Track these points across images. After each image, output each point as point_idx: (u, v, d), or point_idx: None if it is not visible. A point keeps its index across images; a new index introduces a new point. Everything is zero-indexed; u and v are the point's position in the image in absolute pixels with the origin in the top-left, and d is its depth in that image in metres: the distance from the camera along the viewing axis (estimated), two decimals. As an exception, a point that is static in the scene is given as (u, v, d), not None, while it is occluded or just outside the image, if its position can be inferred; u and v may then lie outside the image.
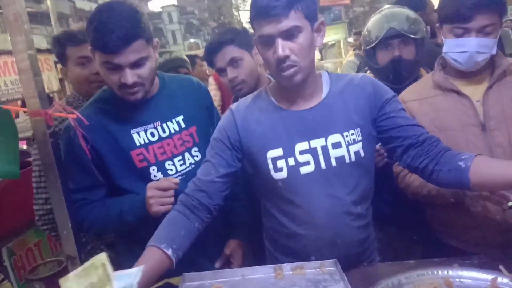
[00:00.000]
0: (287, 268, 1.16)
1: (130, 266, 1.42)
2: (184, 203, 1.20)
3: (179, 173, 1.36)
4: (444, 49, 1.35)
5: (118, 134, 1.30)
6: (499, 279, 1.07)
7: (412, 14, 1.69)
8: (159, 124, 1.35)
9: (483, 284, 1.08)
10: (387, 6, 1.84)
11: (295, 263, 1.17)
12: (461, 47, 1.29)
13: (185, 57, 2.68)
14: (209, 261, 1.44)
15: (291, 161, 1.17)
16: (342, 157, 1.17)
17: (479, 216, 1.28)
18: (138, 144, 1.31)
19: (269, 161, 1.19)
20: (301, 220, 1.21)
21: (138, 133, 1.32)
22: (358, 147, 1.18)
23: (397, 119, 1.19)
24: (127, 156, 1.30)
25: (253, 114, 1.23)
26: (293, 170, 1.17)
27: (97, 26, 1.17)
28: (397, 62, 1.62)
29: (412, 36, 1.62)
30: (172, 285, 1.18)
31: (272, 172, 1.19)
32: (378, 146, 1.49)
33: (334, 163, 1.17)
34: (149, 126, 1.33)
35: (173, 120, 1.37)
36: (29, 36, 1.11)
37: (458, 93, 1.36)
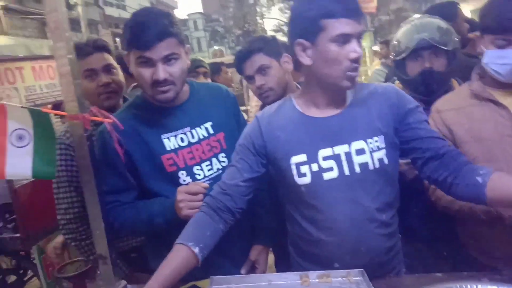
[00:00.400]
0: (314, 275, 1.17)
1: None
2: (209, 205, 1.24)
3: (207, 178, 1.39)
4: (485, 60, 1.33)
5: (150, 138, 1.34)
6: (531, 296, 1.05)
7: (443, 24, 1.66)
8: (189, 129, 1.38)
9: (514, 300, 1.06)
10: (417, 15, 1.81)
11: (322, 271, 1.17)
12: (503, 59, 1.27)
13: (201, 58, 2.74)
14: (234, 265, 1.46)
15: (315, 167, 1.19)
16: (366, 164, 1.17)
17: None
18: (168, 149, 1.34)
19: (293, 167, 1.20)
20: (323, 226, 1.22)
21: (168, 138, 1.35)
22: (382, 154, 1.18)
23: (419, 130, 1.20)
24: (157, 161, 1.33)
25: (278, 121, 1.26)
26: (317, 175, 1.19)
27: (133, 25, 1.26)
28: (428, 74, 1.59)
29: (444, 48, 1.59)
30: (198, 288, 1.20)
31: (296, 178, 1.20)
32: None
33: (358, 169, 1.17)
34: (179, 131, 1.37)
35: (202, 126, 1.41)
36: (70, 42, 1.16)
37: (496, 103, 1.34)
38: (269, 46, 1.70)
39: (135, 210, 1.34)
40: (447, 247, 1.63)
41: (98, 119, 1.19)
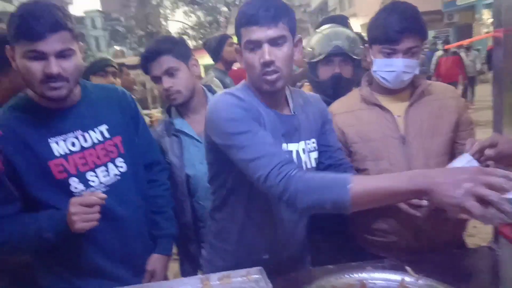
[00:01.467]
0: (214, 278, 1.17)
1: (50, 285, 1.33)
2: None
3: (103, 185, 1.31)
4: (374, 68, 1.46)
5: (35, 143, 1.22)
6: (407, 279, 1.18)
7: (351, 34, 1.81)
8: (81, 133, 1.29)
9: (393, 284, 1.18)
10: (326, 26, 1.94)
11: (222, 272, 1.18)
12: (389, 67, 1.41)
13: (110, 58, 2.63)
14: (135, 275, 1.39)
15: None
16: (304, 163, 1.30)
17: (394, 221, 1.41)
18: (57, 154, 1.24)
19: None
20: (262, 219, 1.31)
21: (57, 143, 1.24)
22: (316, 154, 1.34)
23: (330, 139, 1.40)
24: (44, 167, 1.22)
25: (254, 105, 1.24)
26: None
27: (22, 14, 1.12)
28: (337, 79, 1.73)
29: (354, 56, 1.73)
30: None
31: None
32: None
33: (303, 167, 1.29)
34: (69, 135, 1.27)
35: (96, 129, 1.32)
36: None
37: (382, 107, 1.48)
38: (178, 48, 1.67)
39: (20, 224, 1.21)
40: (341, 241, 1.76)
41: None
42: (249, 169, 1.11)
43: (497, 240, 1.30)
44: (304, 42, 1.89)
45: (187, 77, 1.68)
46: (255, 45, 1.18)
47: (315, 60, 1.78)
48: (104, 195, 1.21)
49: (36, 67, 1.15)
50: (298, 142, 1.30)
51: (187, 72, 1.68)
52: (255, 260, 1.24)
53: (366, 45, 1.50)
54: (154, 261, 1.48)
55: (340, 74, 1.73)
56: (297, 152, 1.28)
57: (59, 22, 1.15)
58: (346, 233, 1.65)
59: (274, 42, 1.17)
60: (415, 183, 0.94)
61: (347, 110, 1.54)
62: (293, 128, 1.29)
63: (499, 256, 1.13)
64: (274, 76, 1.19)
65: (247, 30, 1.18)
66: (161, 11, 26.98)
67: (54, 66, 1.15)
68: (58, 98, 1.21)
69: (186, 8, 31.99)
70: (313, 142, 1.34)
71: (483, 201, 0.84)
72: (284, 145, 1.26)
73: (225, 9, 28.16)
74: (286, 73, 1.21)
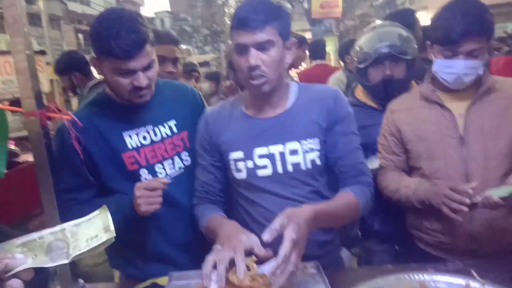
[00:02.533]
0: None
1: (119, 266, 1.44)
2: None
3: (169, 177, 1.40)
4: (434, 68, 1.41)
5: (111, 136, 1.33)
6: (471, 283, 1.13)
7: (404, 32, 1.73)
8: (152, 127, 1.39)
9: (456, 288, 1.14)
10: (379, 22, 1.87)
11: None
12: (449, 68, 1.35)
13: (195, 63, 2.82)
14: (193, 261, 1.46)
15: (250, 164, 1.28)
16: (298, 164, 1.26)
17: (447, 220, 1.35)
18: (130, 147, 1.34)
19: (232, 162, 1.30)
20: (260, 219, 1.29)
21: (130, 136, 1.35)
22: (314, 155, 1.26)
23: (337, 143, 1.28)
24: (118, 158, 1.33)
25: (223, 119, 1.35)
26: (251, 172, 1.28)
27: (107, 33, 1.19)
28: (388, 82, 1.66)
29: (404, 57, 1.66)
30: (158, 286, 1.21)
31: (234, 173, 1.30)
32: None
33: (290, 168, 1.26)
34: (142, 129, 1.37)
35: (165, 124, 1.41)
36: (28, 38, 1.15)
37: (442, 106, 1.42)
38: None
39: (94, 207, 1.32)
40: (399, 242, 1.72)
41: (56, 115, 1.18)
42: None
43: None
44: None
45: None
46: (243, 49, 1.19)
47: (363, 65, 1.71)
48: (166, 180, 1.29)
49: (126, 81, 1.26)
50: (284, 143, 1.26)
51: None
52: None
53: (428, 42, 1.44)
54: None
55: (391, 76, 1.66)
56: (281, 153, 1.26)
57: (144, 39, 1.24)
58: (404, 236, 1.62)
59: (261, 46, 1.18)
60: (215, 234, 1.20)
61: (406, 108, 1.51)
62: (277, 130, 1.27)
63: None
64: (260, 81, 1.21)
65: (237, 33, 1.19)
66: (226, 10, 27.53)
67: (143, 80, 1.26)
68: (143, 103, 1.33)
69: (250, 6, 32.27)
70: (311, 143, 1.26)
71: None
72: (263, 149, 1.27)
73: (288, 5, 28.10)
74: (274, 77, 1.22)
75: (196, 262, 1.43)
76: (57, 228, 0.84)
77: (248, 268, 1.12)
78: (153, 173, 1.37)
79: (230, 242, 1.08)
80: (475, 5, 1.31)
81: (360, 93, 1.85)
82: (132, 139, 1.35)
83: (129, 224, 1.30)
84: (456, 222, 1.32)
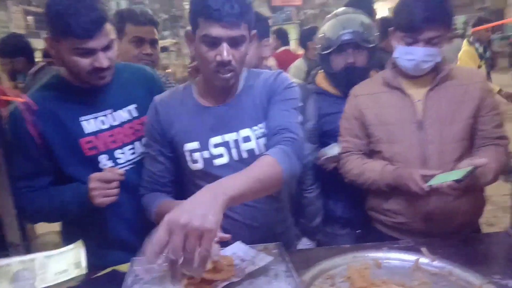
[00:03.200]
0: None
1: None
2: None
3: (129, 162, 1.37)
4: (395, 54, 1.46)
5: (67, 121, 1.29)
6: (421, 260, 1.20)
7: (366, 19, 1.74)
8: (110, 112, 1.35)
9: (408, 264, 1.21)
10: (341, 9, 1.86)
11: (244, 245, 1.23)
12: (409, 55, 1.41)
13: None
14: None
15: (206, 154, 1.27)
16: (252, 150, 1.28)
17: (405, 201, 1.44)
18: (87, 131, 1.31)
19: (187, 153, 1.28)
20: None
21: (87, 121, 1.31)
22: (265, 140, 1.28)
23: (273, 111, 1.26)
24: (75, 144, 1.29)
25: (175, 108, 1.31)
26: (208, 162, 1.28)
27: (66, 11, 1.15)
28: (351, 69, 1.69)
29: (366, 46, 1.68)
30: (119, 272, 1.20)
31: (190, 164, 1.28)
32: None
33: (245, 155, 1.28)
34: (100, 114, 1.34)
35: (125, 109, 1.39)
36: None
37: (402, 91, 1.48)
38: None
39: (47, 197, 1.29)
40: (360, 226, 1.79)
41: (9, 98, 1.13)
42: None
43: (515, 225, 1.30)
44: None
45: None
46: (214, 41, 1.14)
47: (326, 52, 1.73)
48: (122, 171, 1.25)
49: (85, 61, 1.22)
50: (237, 131, 1.27)
51: None
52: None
53: (390, 29, 1.49)
54: None
55: (354, 64, 1.69)
56: (236, 141, 1.27)
57: (104, 17, 1.20)
58: (362, 213, 1.69)
59: (234, 41, 1.15)
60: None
61: (368, 93, 1.55)
62: (229, 118, 1.28)
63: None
64: (228, 75, 1.20)
65: (208, 23, 1.12)
66: (185, -6, 26.93)
67: (103, 60, 1.22)
68: (103, 84, 1.29)
69: (210, -9, 31.69)
70: (261, 127, 1.28)
71: None
72: (218, 138, 1.27)
73: (248, -8, 27.79)
74: (240, 71, 1.24)
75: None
76: (27, 257, 0.81)
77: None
78: (113, 158, 1.34)
79: None
80: None
81: (321, 81, 1.87)
82: (89, 123, 1.31)
83: (86, 213, 1.28)
84: (413, 203, 1.40)
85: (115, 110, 1.36)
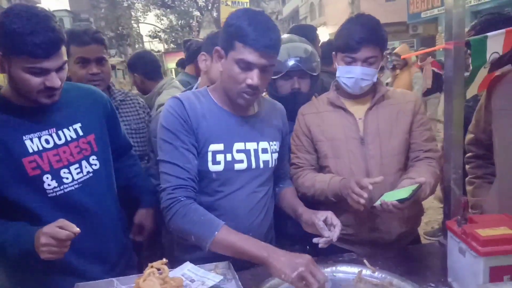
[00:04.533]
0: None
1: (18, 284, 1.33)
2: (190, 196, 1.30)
3: (76, 182, 1.33)
4: (337, 74, 1.58)
5: (8, 140, 1.24)
6: (364, 271, 1.27)
7: (309, 47, 1.85)
8: (55, 131, 1.32)
9: (351, 277, 1.28)
10: (287, 36, 1.94)
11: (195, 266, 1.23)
12: (349, 73, 1.52)
13: None
14: (105, 270, 1.40)
15: (229, 157, 1.34)
16: (268, 161, 1.42)
17: (352, 213, 1.50)
18: (31, 150, 1.26)
19: (209, 154, 1.32)
20: (224, 210, 1.35)
21: (31, 140, 1.27)
22: (276, 156, 1.46)
23: (286, 151, 1.58)
24: (18, 164, 1.24)
25: (200, 108, 1.34)
26: (229, 165, 1.34)
27: (22, 30, 1.12)
28: (296, 94, 1.78)
29: (312, 73, 1.78)
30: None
31: (209, 164, 1.32)
32: None
33: (261, 165, 1.40)
34: (44, 132, 1.29)
35: (70, 128, 1.35)
36: None
37: (345, 110, 1.59)
38: None
39: None
40: (310, 242, 1.83)
41: None
42: (160, 174, 1.32)
43: (446, 235, 1.41)
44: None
45: None
46: (247, 66, 1.24)
47: (274, 77, 1.79)
48: (77, 230, 1.15)
49: (37, 80, 1.20)
50: (257, 141, 1.40)
51: None
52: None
53: (334, 52, 1.60)
54: (141, 215, 1.62)
55: (299, 89, 1.78)
56: (255, 150, 1.39)
57: (61, 38, 1.19)
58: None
59: (265, 69, 1.27)
60: (261, 253, 1.16)
61: (315, 111, 1.65)
62: (253, 128, 1.40)
63: (447, 249, 1.24)
64: (253, 97, 1.31)
65: (245, 49, 1.22)
66: (133, 13, 26.62)
67: (56, 80, 1.21)
68: (52, 103, 1.27)
69: (158, 11, 31.67)
70: (275, 145, 1.46)
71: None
72: (241, 144, 1.36)
73: (197, 13, 28.11)
74: (261, 93, 1.39)
75: (105, 272, 1.38)
76: None
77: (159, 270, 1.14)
78: (58, 178, 1.30)
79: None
80: (371, 20, 1.52)
81: None
82: (33, 142, 1.27)
83: (26, 257, 1.20)
84: (358, 215, 1.47)
85: (59, 129, 1.33)
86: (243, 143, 1.36)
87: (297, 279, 1.08)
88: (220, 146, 1.33)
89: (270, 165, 1.42)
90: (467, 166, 1.76)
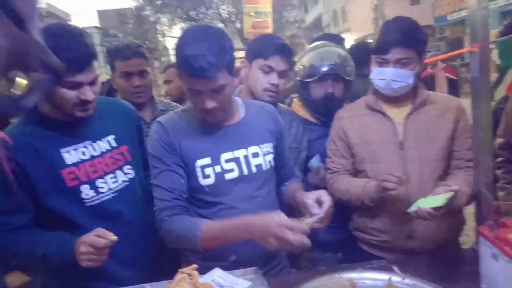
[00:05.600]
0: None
1: None
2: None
3: (111, 191, 1.40)
4: (371, 76, 1.58)
5: (48, 153, 1.31)
6: (394, 278, 1.26)
7: (343, 52, 1.86)
8: (90, 143, 1.39)
9: (381, 283, 1.27)
10: (319, 43, 1.97)
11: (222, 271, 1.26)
12: (381, 75, 1.53)
13: None
14: (144, 277, 1.42)
15: (218, 169, 1.35)
16: (260, 165, 1.40)
17: (389, 220, 1.50)
18: (69, 162, 1.33)
19: (198, 169, 1.33)
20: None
21: (68, 152, 1.34)
22: (270, 157, 1.44)
23: (284, 152, 1.55)
24: (57, 175, 1.30)
25: (182, 128, 1.37)
26: (219, 176, 1.34)
27: (56, 45, 1.17)
28: (329, 99, 1.79)
29: (346, 78, 1.79)
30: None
31: (200, 179, 1.34)
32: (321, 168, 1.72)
33: (254, 169, 1.39)
34: (80, 145, 1.36)
35: (104, 139, 1.42)
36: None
37: (384, 114, 1.58)
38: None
39: (29, 244, 1.27)
40: (342, 249, 1.83)
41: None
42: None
43: (478, 241, 1.38)
44: (297, 58, 1.98)
45: None
46: (196, 93, 1.26)
47: (308, 80, 1.81)
48: (115, 237, 1.20)
49: (72, 94, 1.27)
50: (246, 147, 1.39)
51: None
52: (224, 261, 1.33)
53: (371, 55, 1.60)
54: None
55: (332, 94, 1.79)
56: (245, 157, 1.38)
57: (93, 53, 1.27)
58: (346, 231, 1.73)
59: (215, 91, 1.25)
60: (244, 236, 1.20)
61: (352, 115, 1.65)
62: (239, 136, 1.39)
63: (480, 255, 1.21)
64: (217, 115, 1.32)
65: (189, 79, 1.24)
66: (158, 27, 27.28)
67: (89, 93, 1.28)
68: (87, 116, 1.34)
69: (183, 24, 32.31)
70: (267, 147, 1.43)
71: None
72: (229, 154, 1.36)
73: (221, 25, 28.52)
74: (228, 106, 1.34)
75: (142, 278, 1.40)
76: None
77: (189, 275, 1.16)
78: (95, 188, 1.36)
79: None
80: (408, 22, 1.51)
81: (298, 108, 1.95)
82: (71, 154, 1.34)
83: (68, 264, 1.26)
84: (396, 221, 1.46)
85: (94, 141, 1.40)
86: (230, 152, 1.36)
87: (280, 244, 1.12)
88: (207, 160, 1.34)
89: (264, 168, 1.41)
90: (498, 172, 1.72)
